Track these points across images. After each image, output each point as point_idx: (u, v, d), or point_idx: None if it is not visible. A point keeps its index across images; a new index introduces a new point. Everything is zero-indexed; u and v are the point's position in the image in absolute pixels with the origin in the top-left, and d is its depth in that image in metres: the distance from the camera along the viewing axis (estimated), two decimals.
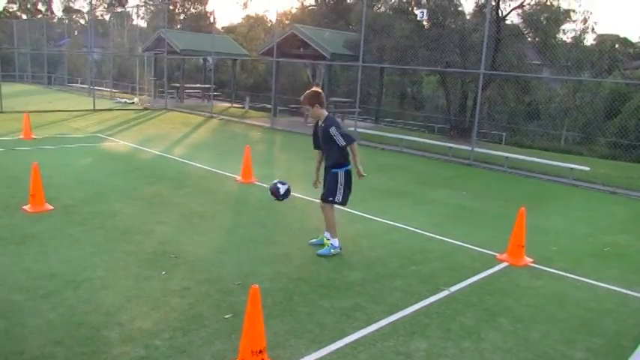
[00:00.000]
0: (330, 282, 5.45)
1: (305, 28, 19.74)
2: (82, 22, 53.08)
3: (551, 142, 25.61)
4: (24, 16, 55.98)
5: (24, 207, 7.16)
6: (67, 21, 47.98)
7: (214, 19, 38.65)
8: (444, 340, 4.41)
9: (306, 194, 8.92)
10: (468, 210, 8.88)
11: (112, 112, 19.64)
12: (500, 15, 18.26)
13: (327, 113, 6.03)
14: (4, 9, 58.79)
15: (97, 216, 7.03)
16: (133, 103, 22.67)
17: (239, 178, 9.63)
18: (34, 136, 12.86)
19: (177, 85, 24.49)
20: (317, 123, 6.12)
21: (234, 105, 24.96)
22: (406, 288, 5.42)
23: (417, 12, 15.59)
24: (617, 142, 23.23)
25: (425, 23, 16.81)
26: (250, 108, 23.61)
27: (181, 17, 62.41)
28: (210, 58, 26.01)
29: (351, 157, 6.04)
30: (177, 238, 6.39)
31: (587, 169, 12.53)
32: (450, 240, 7.08)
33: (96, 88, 24.26)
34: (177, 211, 7.50)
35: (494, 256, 6.57)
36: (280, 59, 19.17)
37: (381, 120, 22.87)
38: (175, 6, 54.64)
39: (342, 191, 6.07)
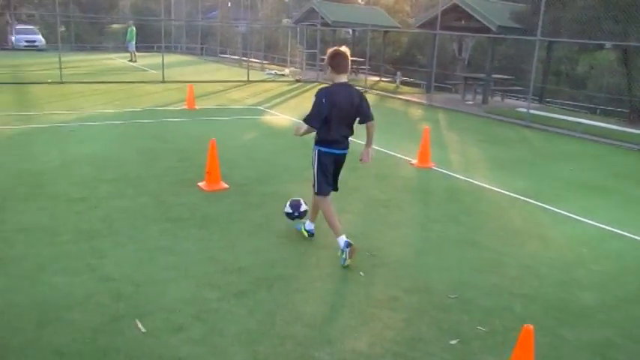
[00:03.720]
0: (562, 303, 4.40)
1: None
2: None
3: None
4: None
5: (199, 184, 6.79)
6: None
7: None
8: None
9: (494, 184, 7.83)
10: None
11: (265, 84, 19.52)
12: None
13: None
14: None
15: (275, 198, 6.46)
16: (283, 75, 22.49)
17: (414, 161, 8.71)
18: (196, 107, 12.82)
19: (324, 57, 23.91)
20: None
21: (383, 79, 23.96)
22: None
23: None
24: None
25: None
26: (401, 83, 22.52)
27: None
28: (351, 30, 25.10)
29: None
30: (367, 232, 5.63)
31: None
32: None
33: (246, 59, 24.51)
34: (357, 198, 6.76)
35: None
36: (443, 32, 17.86)
37: (545, 100, 20.77)
38: None
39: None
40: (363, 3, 41.69)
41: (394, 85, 22.03)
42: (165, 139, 9.36)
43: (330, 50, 4.81)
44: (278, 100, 15.69)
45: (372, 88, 20.16)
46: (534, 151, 10.86)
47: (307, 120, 4.72)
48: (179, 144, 9.02)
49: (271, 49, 29.30)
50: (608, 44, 15.33)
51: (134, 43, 24.99)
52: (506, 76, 19.91)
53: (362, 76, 21.51)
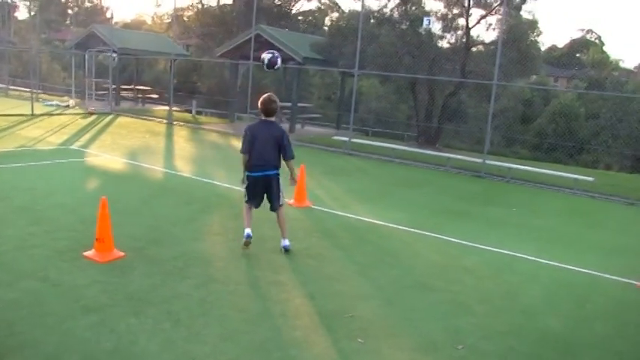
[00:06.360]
0: (543, 334, 4.57)
1: (272, 29, 18.43)
2: None
3: (478, 144, 26.15)
4: None
5: (86, 253, 5.55)
6: None
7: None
8: None
9: (378, 218, 7.92)
10: (545, 230, 8.40)
11: (57, 118, 16.99)
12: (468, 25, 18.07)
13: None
14: None
15: (191, 262, 5.60)
16: (68, 106, 20.03)
17: (291, 201, 8.37)
18: None
19: (114, 86, 22.02)
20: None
21: (174, 109, 22.92)
22: None
23: (425, 20, 14.90)
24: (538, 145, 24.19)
25: (422, 31, 16.22)
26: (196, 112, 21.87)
27: (74, 10, 58.16)
28: (115, 56, 23.50)
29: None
30: (319, 290, 5.18)
31: (591, 179, 12.40)
32: (580, 269, 6.49)
33: (15, 88, 21.65)
34: (273, 250, 6.16)
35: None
36: (257, 62, 17.70)
37: (342, 126, 21.99)
38: None
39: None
40: (119, 27, 39.70)
41: (190, 114, 21.33)
42: None
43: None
44: (86, 136, 13.85)
45: (177, 119, 19.00)
46: (377, 180, 11.33)
47: (241, 149, 5.93)
48: (14, 201, 7.31)
49: (44, 77, 26.00)
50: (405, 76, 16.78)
51: None
52: (307, 104, 20.63)
53: (152, 106, 20.34)
